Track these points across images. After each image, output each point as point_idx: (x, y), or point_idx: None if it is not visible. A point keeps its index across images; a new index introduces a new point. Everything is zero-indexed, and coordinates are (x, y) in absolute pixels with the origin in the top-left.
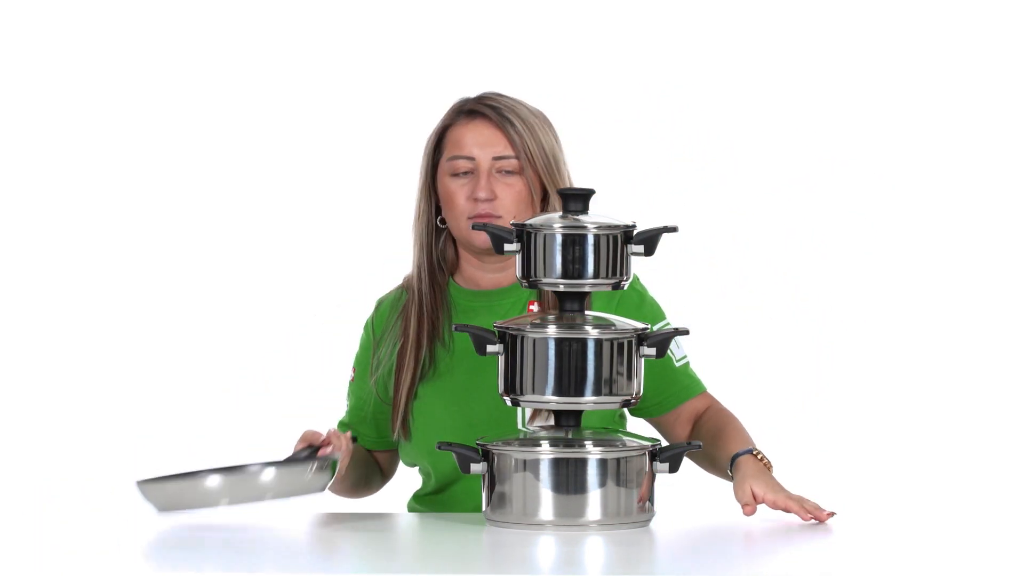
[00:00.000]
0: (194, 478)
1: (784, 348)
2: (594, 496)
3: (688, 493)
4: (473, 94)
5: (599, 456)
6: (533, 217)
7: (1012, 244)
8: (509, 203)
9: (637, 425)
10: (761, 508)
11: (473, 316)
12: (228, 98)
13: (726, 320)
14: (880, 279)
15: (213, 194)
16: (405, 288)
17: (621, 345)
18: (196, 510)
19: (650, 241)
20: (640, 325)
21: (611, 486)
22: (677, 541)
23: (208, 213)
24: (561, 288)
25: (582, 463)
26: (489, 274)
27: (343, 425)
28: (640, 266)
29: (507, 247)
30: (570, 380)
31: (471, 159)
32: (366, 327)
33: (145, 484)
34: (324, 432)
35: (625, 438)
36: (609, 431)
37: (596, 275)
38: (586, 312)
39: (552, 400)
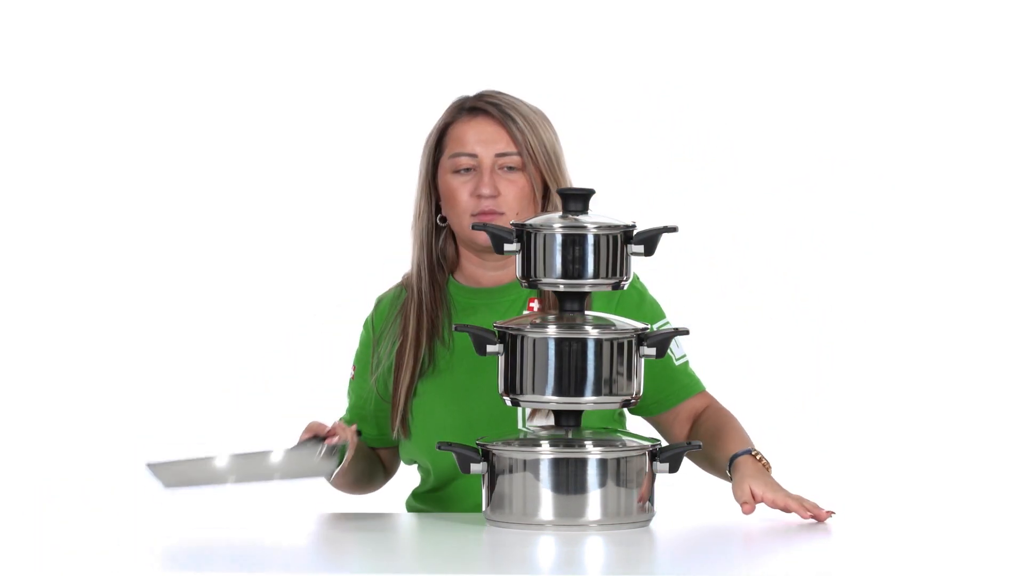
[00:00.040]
0: (203, 457)
1: (784, 348)
2: (594, 496)
3: (688, 493)
4: (471, 92)
5: (599, 456)
6: (535, 213)
7: (1012, 244)
8: (512, 199)
9: (637, 425)
10: (760, 508)
11: (473, 313)
12: (227, 98)
13: (726, 320)
14: (880, 279)
15: (213, 194)
16: (404, 286)
17: (621, 345)
18: (203, 487)
19: (650, 241)
20: (640, 325)
21: (611, 486)
22: (677, 541)
23: (208, 213)
24: (561, 288)
25: (582, 463)
26: (489, 272)
27: (345, 422)
28: (640, 266)
29: (507, 247)
30: (570, 380)
31: (474, 156)
32: (366, 325)
33: (154, 463)
34: (329, 424)
35: (625, 438)
36: (609, 431)
37: (596, 275)
38: (586, 312)
39: (552, 400)
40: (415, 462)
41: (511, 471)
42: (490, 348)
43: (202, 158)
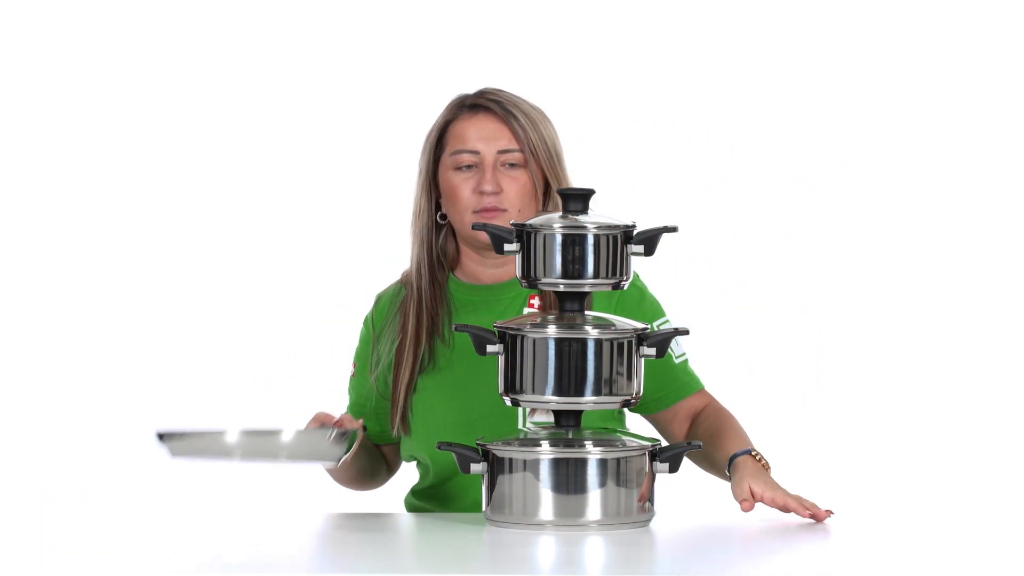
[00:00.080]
0: (214, 430)
1: (784, 348)
2: (594, 496)
3: (688, 493)
4: (471, 90)
5: (599, 456)
6: (537, 210)
7: (1012, 244)
8: (514, 196)
9: (637, 424)
10: (760, 507)
11: (473, 311)
12: (227, 98)
13: (726, 320)
14: (880, 279)
15: (212, 194)
16: (404, 283)
17: (621, 345)
18: (209, 460)
19: (650, 241)
20: (640, 325)
21: (611, 486)
22: (677, 541)
23: (207, 213)
24: (561, 288)
25: (582, 463)
26: (490, 269)
27: None
28: (640, 266)
29: (507, 247)
30: (570, 380)
31: (475, 153)
32: (365, 322)
33: (165, 431)
34: (336, 416)
35: (625, 438)
36: (609, 431)
37: (596, 275)
38: (586, 312)
39: (552, 400)
40: (415, 459)
41: (511, 471)
42: (490, 348)
43: (202, 158)
